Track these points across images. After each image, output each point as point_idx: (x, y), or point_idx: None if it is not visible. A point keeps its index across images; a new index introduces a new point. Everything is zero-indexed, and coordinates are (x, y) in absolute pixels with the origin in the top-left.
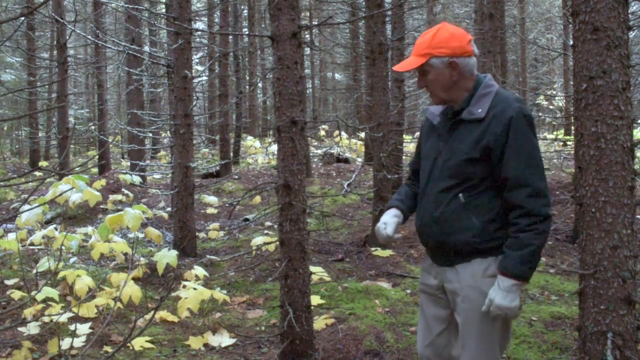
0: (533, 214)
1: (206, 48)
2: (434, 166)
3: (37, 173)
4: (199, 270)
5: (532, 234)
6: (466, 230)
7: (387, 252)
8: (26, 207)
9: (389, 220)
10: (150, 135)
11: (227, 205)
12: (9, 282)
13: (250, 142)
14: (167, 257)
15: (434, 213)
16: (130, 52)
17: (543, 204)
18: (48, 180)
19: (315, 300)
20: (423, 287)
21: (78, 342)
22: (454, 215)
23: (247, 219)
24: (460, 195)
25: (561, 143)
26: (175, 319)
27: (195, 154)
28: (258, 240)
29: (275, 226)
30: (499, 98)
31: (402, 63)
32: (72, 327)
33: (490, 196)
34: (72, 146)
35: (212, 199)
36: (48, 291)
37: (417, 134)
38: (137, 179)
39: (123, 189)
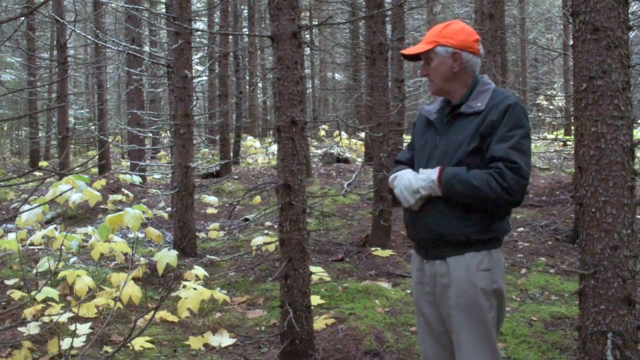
0: (502, 176)
1: (206, 48)
2: (429, 159)
3: (37, 173)
4: (199, 270)
5: (487, 179)
6: (463, 220)
7: (387, 252)
8: (26, 207)
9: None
10: (150, 135)
11: (227, 205)
12: (9, 282)
13: (250, 142)
14: (167, 257)
15: (431, 204)
16: (130, 52)
17: (516, 180)
18: (48, 180)
19: (315, 300)
20: (418, 287)
21: (78, 342)
22: (451, 206)
23: (247, 219)
24: None
25: (561, 143)
26: (175, 319)
27: (195, 154)
28: (258, 240)
29: (275, 226)
30: (497, 93)
31: (410, 47)
32: (72, 327)
33: None
34: (72, 146)
35: (212, 199)
36: (48, 291)
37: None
38: (137, 179)
39: (123, 189)
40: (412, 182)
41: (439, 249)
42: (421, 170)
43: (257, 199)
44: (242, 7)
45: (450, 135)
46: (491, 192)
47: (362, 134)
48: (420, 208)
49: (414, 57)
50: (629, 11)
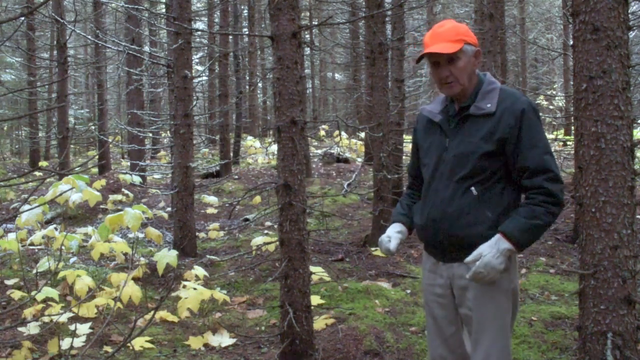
0: (551, 195)
1: (206, 48)
2: (439, 162)
3: (37, 173)
4: (199, 270)
5: (544, 210)
6: (480, 223)
7: None
8: (26, 207)
9: (393, 235)
10: (150, 135)
11: (227, 205)
12: (9, 282)
13: (250, 142)
14: (167, 257)
15: (446, 207)
16: (130, 52)
17: (560, 189)
18: (48, 180)
19: (315, 300)
20: (429, 289)
21: (78, 342)
22: (467, 208)
23: (247, 219)
24: (473, 188)
25: (561, 143)
26: (175, 319)
27: (195, 154)
28: (258, 240)
29: (275, 226)
30: (505, 93)
31: (436, 46)
32: (72, 327)
33: (501, 188)
34: (72, 146)
35: (212, 199)
36: (48, 291)
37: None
38: (137, 179)
39: (123, 189)
40: (496, 266)
41: (457, 251)
42: (489, 247)
43: (257, 199)
44: (242, 7)
45: (461, 137)
46: (553, 217)
47: (362, 134)
48: (438, 211)
49: (421, 58)
50: (629, 11)
